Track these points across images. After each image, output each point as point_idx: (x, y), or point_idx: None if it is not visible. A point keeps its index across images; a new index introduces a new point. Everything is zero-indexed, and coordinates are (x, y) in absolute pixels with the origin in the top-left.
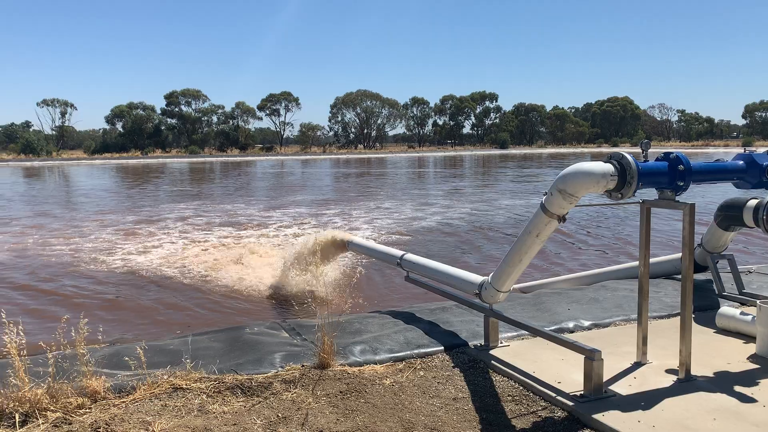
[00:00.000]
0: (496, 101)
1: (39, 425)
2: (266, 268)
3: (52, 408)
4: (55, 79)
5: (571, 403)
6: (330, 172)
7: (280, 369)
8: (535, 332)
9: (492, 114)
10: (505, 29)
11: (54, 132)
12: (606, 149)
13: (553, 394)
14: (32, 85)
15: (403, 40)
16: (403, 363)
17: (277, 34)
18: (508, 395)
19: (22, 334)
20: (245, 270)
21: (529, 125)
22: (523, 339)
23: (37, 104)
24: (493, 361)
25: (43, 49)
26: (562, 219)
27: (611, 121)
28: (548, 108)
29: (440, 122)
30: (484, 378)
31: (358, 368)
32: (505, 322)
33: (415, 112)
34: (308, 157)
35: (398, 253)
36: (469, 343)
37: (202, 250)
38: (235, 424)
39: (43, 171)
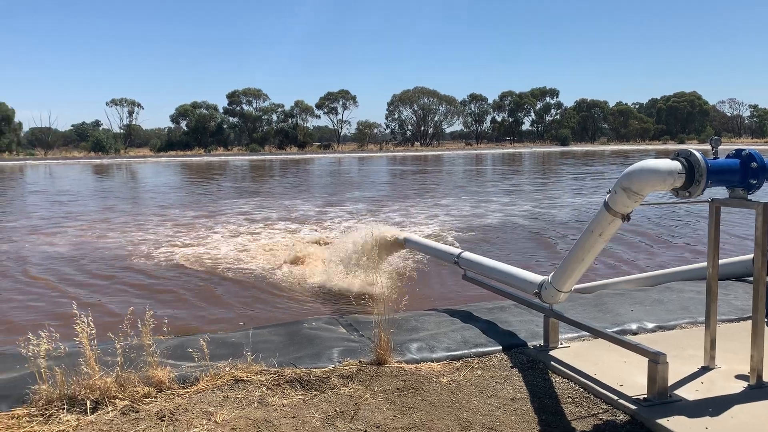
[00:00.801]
0: (557, 97)
1: (108, 412)
2: (324, 264)
3: (120, 396)
4: (123, 79)
5: (633, 407)
6: (387, 170)
7: (337, 364)
8: (597, 333)
9: (552, 110)
10: (567, 24)
11: (122, 130)
12: (672, 146)
13: (615, 397)
14: (102, 86)
15: (459, 37)
16: (461, 362)
17: (323, 29)
18: (568, 397)
19: (92, 324)
20: (303, 265)
21: (591, 121)
22: (583, 340)
23: (107, 104)
24: (552, 362)
25: (113, 50)
26: (626, 218)
27: (678, 117)
28: (611, 104)
29: (499, 119)
30: (543, 379)
31: (414, 366)
32: (566, 322)
33: (473, 109)
34: (365, 154)
35: (455, 251)
36: (528, 344)
37: (261, 245)
38: (294, 417)
39: (112, 168)
